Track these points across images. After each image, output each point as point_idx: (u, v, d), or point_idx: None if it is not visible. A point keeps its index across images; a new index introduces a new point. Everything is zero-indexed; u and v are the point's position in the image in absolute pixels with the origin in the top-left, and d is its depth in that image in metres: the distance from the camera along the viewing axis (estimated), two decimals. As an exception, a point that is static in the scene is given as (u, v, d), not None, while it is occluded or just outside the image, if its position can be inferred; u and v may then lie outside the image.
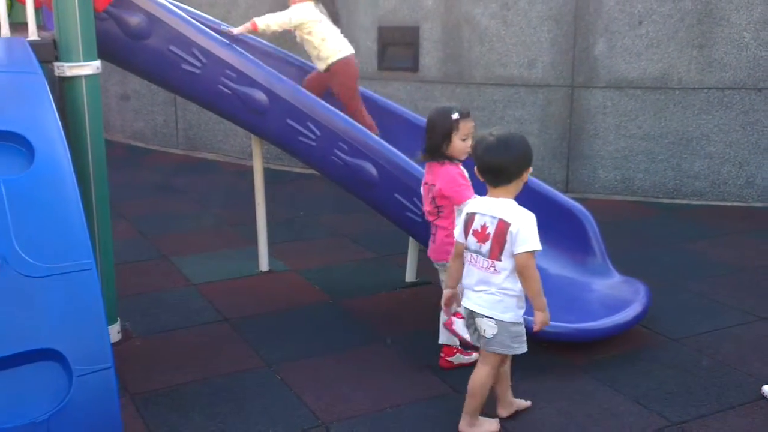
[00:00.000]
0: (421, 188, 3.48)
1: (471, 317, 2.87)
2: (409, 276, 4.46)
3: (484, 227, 2.77)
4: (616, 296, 3.81)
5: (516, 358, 3.47)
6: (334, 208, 5.93)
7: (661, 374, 3.35)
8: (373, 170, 3.93)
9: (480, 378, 2.86)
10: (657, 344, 3.63)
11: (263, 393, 3.20)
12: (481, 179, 2.84)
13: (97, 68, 3.40)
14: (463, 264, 2.89)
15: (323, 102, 4.09)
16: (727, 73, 5.83)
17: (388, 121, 4.74)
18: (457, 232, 2.90)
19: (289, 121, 3.99)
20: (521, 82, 6.35)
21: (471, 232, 2.81)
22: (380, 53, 6.91)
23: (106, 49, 3.76)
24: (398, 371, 3.39)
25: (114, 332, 3.65)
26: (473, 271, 2.83)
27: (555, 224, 4.01)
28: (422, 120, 4.76)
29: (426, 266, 4.41)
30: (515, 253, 2.72)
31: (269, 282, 4.50)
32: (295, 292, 4.33)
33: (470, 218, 2.83)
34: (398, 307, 4.14)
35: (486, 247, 2.76)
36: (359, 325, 3.89)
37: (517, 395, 3.13)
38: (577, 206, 4.18)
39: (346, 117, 4.06)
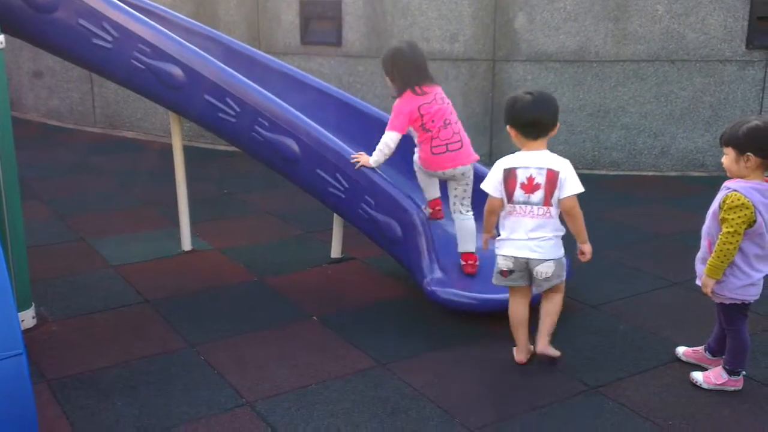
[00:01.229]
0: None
1: (522, 266, 3.10)
2: (335, 252, 4.45)
3: (530, 179, 3.03)
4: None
5: (436, 330, 3.53)
6: (260, 186, 5.86)
7: (580, 340, 3.44)
8: (295, 146, 3.88)
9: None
10: (576, 311, 3.73)
11: (186, 374, 3.16)
12: (517, 135, 3.09)
13: (1, 43, 3.24)
14: (497, 217, 3.15)
15: (242, 77, 4.01)
16: (642, 45, 5.98)
17: (312, 97, 4.69)
18: (491, 188, 3.10)
19: (207, 97, 3.90)
20: (444, 56, 6.38)
21: (518, 185, 3.04)
22: (302, 27, 6.83)
23: (11, 23, 3.60)
24: (323, 348, 3.39)
25: (28, 317, 3.52)
26: (525, 222, 3.06)
27: (476, 196, 4.06)
28: (347, 96, 4.77)
29: (351, 242, 4.42)
30: (564, 197, 3.03)
31: (192, 262, 4.42)
32: (219, 271, 4.27)
33: (510, 173, 3.06)
34: (324, 283, 4.13)
35: (537, 196, 3.03)
36: (284, 303, 3.86)
37: (437, 366, 3.19)
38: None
39: (266, 93, 3.99)
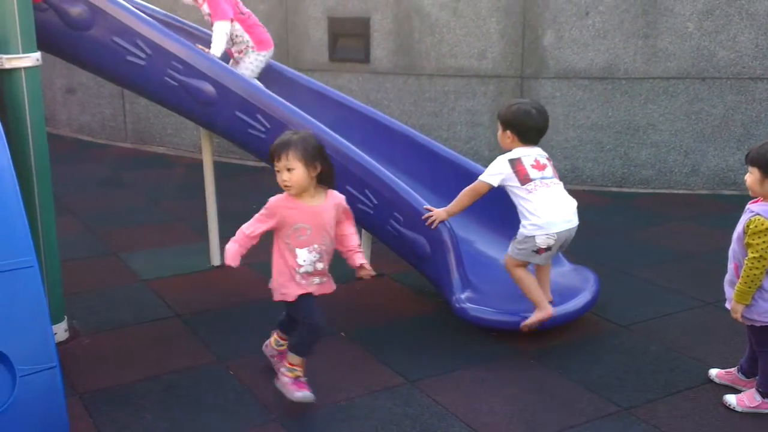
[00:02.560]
0: None
1: (561, 240, 3.49)
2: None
3: (537, 160, 3.50)
4: (565, 284, 3.86)
5: (465, 347, 3.51)
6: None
7: (611, 361, 3.40)
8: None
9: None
10: (606, 331, 3.69)
11: (215, 389, 3.17)
12: (515, 139, 3.53)
13: (37, 60, 3.30)
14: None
15: (272, 94, 4.05)
16: (672, 63, 5.94)
17: (339, 113, 4.72)
18: (493, 179, 3.49)
19: (238, 114, 3.94)
20: (472, 72, 6.39)
21: (528, 168, 3.46)
22: (331, 44, 6.88)
23: (48, 40, 3.67)
24: (351, 364, 3.38)
25: (61, 330, 3.56)
26: (554, 191, 3.48)
27: (503, 212, 4.04)
28: (374, 112, 4.79)
29: (379, 258, 4.42)
30: None
31: (221, 276, 4.45)
32: (248, 286, 4.28)
33: (516, 162, 3.49)
34: (352, 299, 4.12)
35: (548, 172, 3.51)
36: (312, 318, 3.86)
37: (466, 384, 3.18)
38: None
39: (295, 108, 4.03)
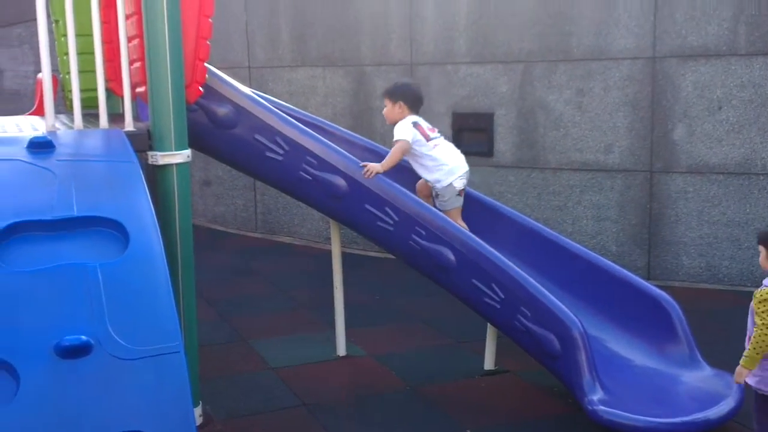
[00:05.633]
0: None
1: (466, 180, 4.32)
2: (488, 364, 4.38)
3: (427, 125, 4.31)
4: (707, 390, 3.64)
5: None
6: (410, 292, 5.91)
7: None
8: (451, 255, 3.93)
9: None
10: (753, 441, 3.44)
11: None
12: (404, 108, 4.29)
13: (188, 156, 3.55)
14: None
15: (401, 187, 4.14)
16: (815, 157, 5.67)
17: (463, 206, 4.74)
18: (409, 136, 4.17)
19: (368, 206, 4.05)
20: (598, 167, 6.32)
21: (426, 130, 4.25)
22: (455, 139, 7.00)
23: (196, 138, 3.92)
24: (479, 463, 3.29)
25: (196, 415, 3.67)
26: (447, 146, 4.30)
27: (639, 313, 3.92)
28: (497, 204, 4.80)
29: (505, 354, 4.33)
30: None
31: (346, 367, 4.49)
32: (373, 378, 4.29)
33: (417, 125, 4.23)
34: (477, 395, 4.04)
35: (436, 131, 4.31)
36: (437, 414, 3.81)
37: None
38: (663, 294, 4.05)
39: (423, 202, 4.10)
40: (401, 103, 4.27)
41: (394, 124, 4.27)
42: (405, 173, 4.42)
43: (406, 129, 4.19)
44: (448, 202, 4.25)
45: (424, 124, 4.27)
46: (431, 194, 4.40)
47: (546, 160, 6.54)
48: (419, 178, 4.39)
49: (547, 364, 3.78)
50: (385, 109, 4.36)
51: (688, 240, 6.01)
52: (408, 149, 4.19)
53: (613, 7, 6.11)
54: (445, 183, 4.22)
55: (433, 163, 4.22)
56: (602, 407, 3.43)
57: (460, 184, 4.25)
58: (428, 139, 4.21)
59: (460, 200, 4.31)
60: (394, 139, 4.21)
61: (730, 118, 5.85)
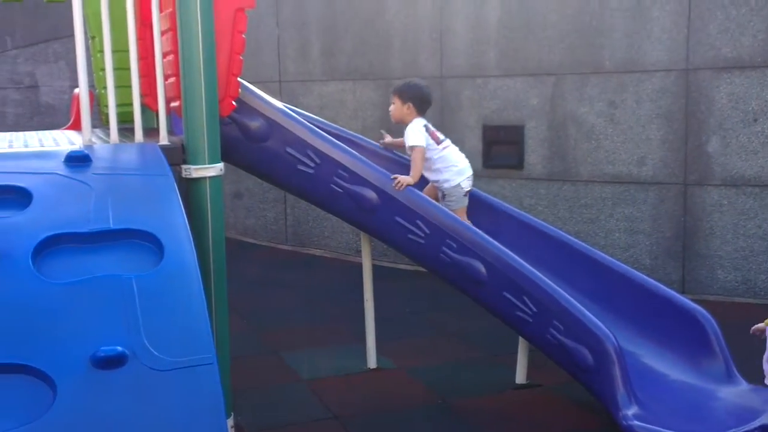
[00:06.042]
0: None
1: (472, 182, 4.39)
2: (519, 378, 4.35)
3: (433, 128, 4.40)
4: (744, 405, 3.58)
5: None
6: (441, 305, 5.90)
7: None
8: (482, 268, 3.91)
9: None
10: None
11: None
12: (413, 110, 4.32)
13: (221, 170, 3.58)
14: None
15: (432, 200, 4.15)
16: None
17: (493, 219, 4.73)
18: (423, 141, 4.22)
19: (398, 219, 4.05)
20: (630, 179, 6.26)
21: (437, 133, 4.34)
22: (485, 151, 6.99)
23: (228, 151, 3.96)
24: (511, 478, 3.26)
25: (228, 426, 3.68)
26: (455, 149, 4.38)
27: (674, 327, 3.87)
28: (528, 217, 4.78)
29: (540, 368, 4.30)
30: None
31: (377, 380, 4.48)
32: (403, 390, 4.29)
33: (428, 129, 4.30)
34: (509, 410, 4.02)
35: (441, 134, 4.38)
36: (468, 428, 3.79)
37: None
38: (698, 308, 3.99)
39: (455, 215, 4.10)
40: (410, 104, 4.31)
41: (399, 122, 4.36)
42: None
43: (420, 134, 4.24)
44: (455, 202, 4.31)
45: (432, 127, 4.35)
46: (437, 197, 4.41)
47: (577, 173, 6.50)
48: (423, 183, 4.39)
49: (580, 378, 3.75)
50: (392, 107, 4.39)
51: (723, 253, 5.92)
52: (425, 153, 4.25)
53: (645, 20, 6.08)
54: (453, 183, 4.29)
55: (443, 165, 4.29)
56: (637, 422, 3.39)
57: (467, 184, 4.35)
58: (438, 142, 4.30)
59: (466, 200, 4.39)
60: (409, 144, 4.24)
61: (765, 130, 5.77)
